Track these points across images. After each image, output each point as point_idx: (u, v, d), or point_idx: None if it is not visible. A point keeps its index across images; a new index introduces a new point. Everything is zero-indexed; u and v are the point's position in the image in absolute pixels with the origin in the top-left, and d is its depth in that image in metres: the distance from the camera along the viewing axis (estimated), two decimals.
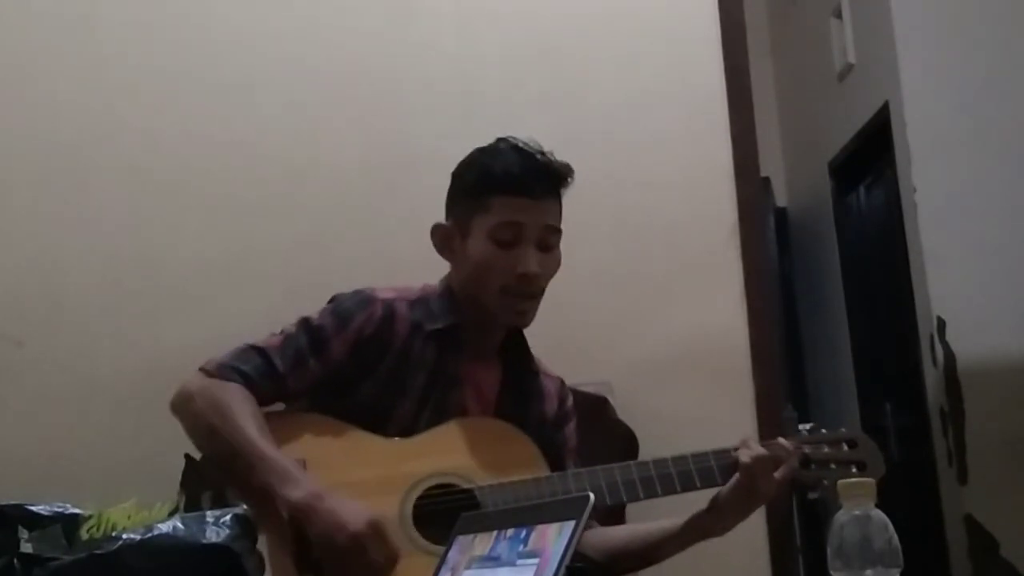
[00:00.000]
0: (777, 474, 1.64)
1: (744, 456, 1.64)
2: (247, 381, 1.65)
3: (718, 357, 2.58)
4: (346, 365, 1.70)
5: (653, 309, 2.60)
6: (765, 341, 2.61)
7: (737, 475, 1.64)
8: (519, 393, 1.82)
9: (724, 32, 2.73)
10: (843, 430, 1.76)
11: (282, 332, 1.72)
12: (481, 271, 1.72)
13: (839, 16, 4.39)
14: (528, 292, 1.73)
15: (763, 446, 1.68)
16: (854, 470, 1.71)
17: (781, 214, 5.09)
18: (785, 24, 5.20)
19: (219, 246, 2.54)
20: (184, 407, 1.66)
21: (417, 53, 2.66)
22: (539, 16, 2.72)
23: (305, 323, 1.72)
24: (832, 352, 4.73)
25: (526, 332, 1.85)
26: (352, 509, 1.50)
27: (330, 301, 1.77)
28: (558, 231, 1.76)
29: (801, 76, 5.04)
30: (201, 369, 1.68)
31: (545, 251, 1.74)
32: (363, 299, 1.74)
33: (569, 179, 1.77)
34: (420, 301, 1.78)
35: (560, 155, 1.79)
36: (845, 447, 1.73)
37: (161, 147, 2.57)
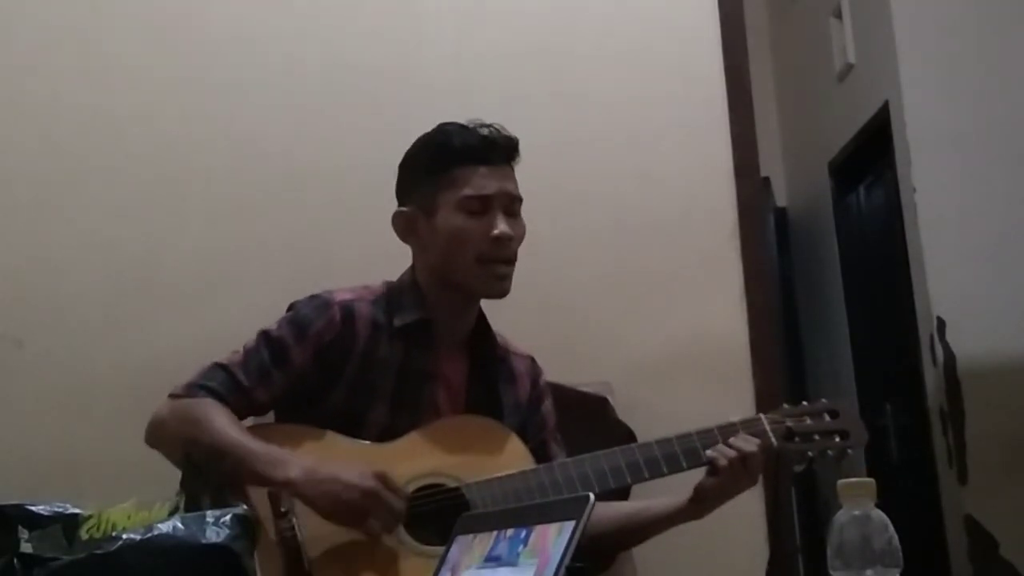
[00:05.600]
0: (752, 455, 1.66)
1: (721, 460, 1.65)
2: (216, 397, 1.66)
3: (718, 357, 2.58)
4: (311, 372, 1.70)
5: (653, 309, 2.60)
6: (765, 341, 2.61)
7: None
8: (488, 380, 1.82)
9: (724, 32, 2.73)
10: (824, 400, 1.78)
11: (243, 348, 1.72)
12: (455, 243, 1.72)
13: (839, 16, 4.38)
14: (504, 256, 1.73)
15: (742, 425, 1.70)
16: (837, 439, 1.72)
17: (781, 214, 5.09)
18: (785, 24, 5.20)
19: (219, 246, 2.55)
20: (158, 433, 1.68)
21: (417, 53, 2.67)
22: (539, 16, 2.72)
23: (265, 336, 1.72)
24: (832, 352, 4.73)
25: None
26: (353, 468, 1.53)
27: (288, 309, 1.77)
28: (519, 199, 1.77)
29: (801, 76, 5.04)
30: (170, 396, 1.69)
31: (511, 217, 1.74)
32: (320, 304, 1.73)
33: (518, 150, 1.78)
34: (382, 299, 1.77)
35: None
36: (827, 417, 1.75)
37: (161, 147, 2.58)
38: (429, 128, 1.81)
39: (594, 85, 2.69)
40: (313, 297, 1.76)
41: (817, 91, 4.75)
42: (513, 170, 1.78)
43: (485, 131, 1.75)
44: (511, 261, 1.74)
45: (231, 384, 1.67)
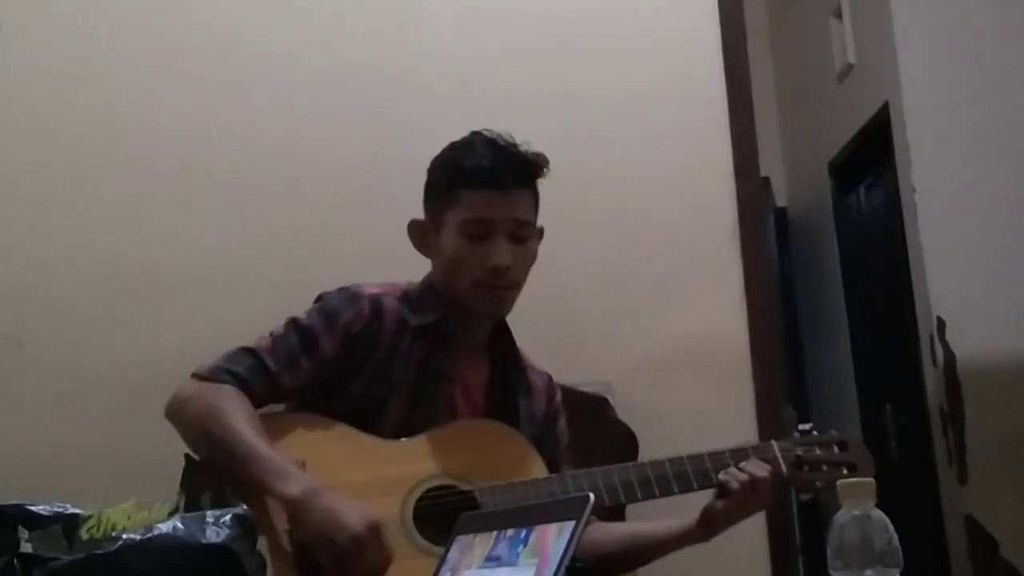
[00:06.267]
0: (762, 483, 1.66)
1: (733, 483, 1.66)
2: (240, 382, 1.65)
3: (718, 357, 2.58)
4: (337, 363, 1.70)
5: (653, 309, 2.60)
6: (765, 341, 2.61)
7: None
8: (507, 389, 1.82)
9: (724, 32, 2.73)
10: (833, 432, 1.79)
11: (271, 334, 1.72)
12: (453, 265, 1.72)
13: (839, 16, 4.39)
14: (500, 285, 1.72)
15: (753, 450, 1.72)
16: (844, 472, 1.73)
17: (781, 214, 5.09)
18: (785, 24, 5.20)
19: (219, 246, 2.55)
20: (179, 413, 1.66)
21: (417, 54, 2.67)
22: (539, 16, 2.72)
23: (294, 323, 1.72)
24: (832, 352, 4.73)
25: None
26: (350, 509, 1.49)
27: (317, 300, 1.77)
28: (530, 224, 1.74)
29: (801, 76, 5.04)
30: (194, 375, 1.67)
31: (518, 243, 1.72)
32: (349, 296, 1.74)
33: (544, 169, 1.75)
34: (405, 297, 1.78)
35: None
36: (836, 449, 1.76)
37: (161, 147, 2.58)
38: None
39: (594, 86, 2.69)
40: (343, 289, 1.76)
41: (817, 91, 4.75)
42: (533, 193, 1.75)
43: (506, 151, 1.72)
44: (509, 288, 1.73)
45: (258, 369, 1.66)
